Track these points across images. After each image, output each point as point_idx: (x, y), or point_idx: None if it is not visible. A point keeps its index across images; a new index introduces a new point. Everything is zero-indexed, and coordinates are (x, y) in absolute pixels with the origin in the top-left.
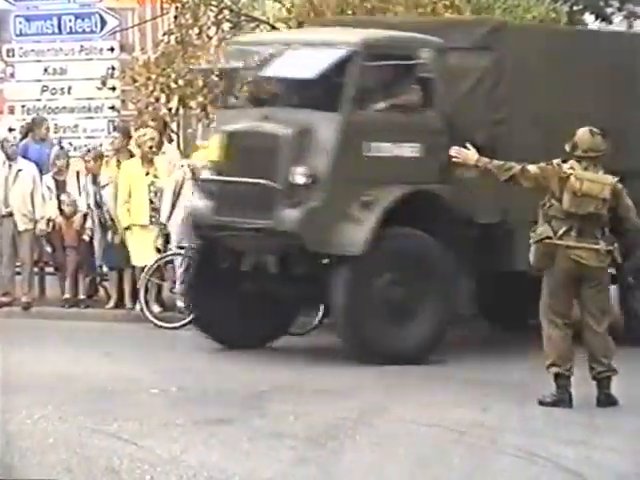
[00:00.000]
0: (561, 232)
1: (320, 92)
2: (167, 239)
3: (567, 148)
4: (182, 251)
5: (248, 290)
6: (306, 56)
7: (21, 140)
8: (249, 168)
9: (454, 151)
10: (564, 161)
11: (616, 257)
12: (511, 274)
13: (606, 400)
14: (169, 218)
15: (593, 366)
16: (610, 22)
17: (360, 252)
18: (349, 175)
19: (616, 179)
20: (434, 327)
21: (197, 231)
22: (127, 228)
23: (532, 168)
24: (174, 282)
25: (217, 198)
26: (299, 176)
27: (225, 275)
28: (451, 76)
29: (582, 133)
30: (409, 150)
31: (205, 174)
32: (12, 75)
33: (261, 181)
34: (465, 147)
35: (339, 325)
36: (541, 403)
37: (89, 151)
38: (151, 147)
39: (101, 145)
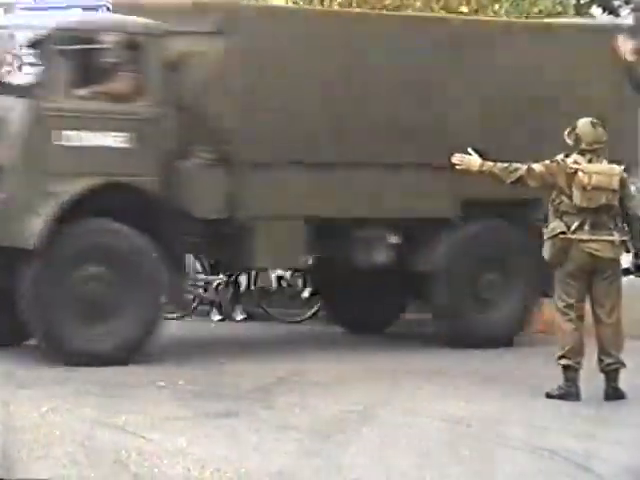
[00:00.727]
0: (574, 227)
1: (17, 78)
2: None
3: (569, 142)
4: None
5: None
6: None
7: None
8: None
9: (457, 159)
10: (566, 155)
11: (629, 248)
12: (354, 274)
13: (614, 393)
14: None
15: (602, 358)
16: (617, 15)
17: (34, 245)
18: (38, 165)
19: (622, 168)
20: (137, 327)
21: None
22: None
23: (537, 167)
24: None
25: None
26: None
27: None
28: (184, 62)
29: (583, 126)
30: (114, 140)
31: None
32: (19, 68)
33: None
34: (468, 153)
35: (29, 322)
36: (549, 396)
37: None
38: None
39: None
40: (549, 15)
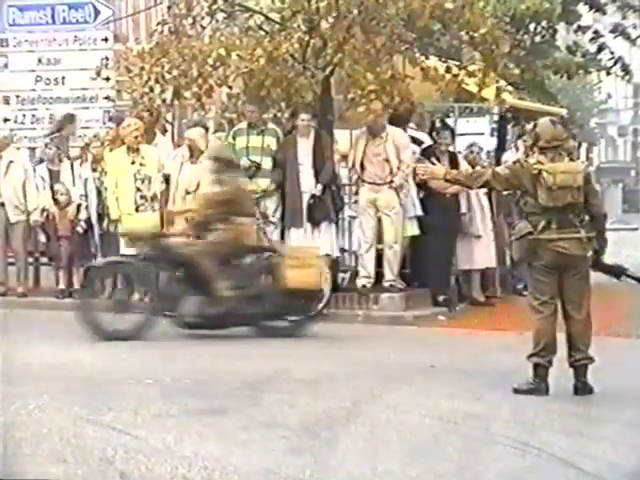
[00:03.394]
0: (541, 226)
1: None
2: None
3: (529, 141)
4: None
5: None
6: None
7: (46, 136)
8: None
9: (421, 169)
10: (527, 156)
11: (594, 245)
12: None
13: (583, 388)
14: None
15: (572, 354)
16: (604, 13)
17: None
18: None
19: (585, 164)
20: None
21: None
22: (117, 219)
23: (502, 170)
24: None
25: None
26: None
27: None
28: None
29: (543, 123)
30: None
31: None
32: (6, 65)
33: None
34: (432, 163)
35: None
36: (516, 391)
37: (94, 137)
38: (136, 137)
39: (96, 135)
40: (536, 12)
